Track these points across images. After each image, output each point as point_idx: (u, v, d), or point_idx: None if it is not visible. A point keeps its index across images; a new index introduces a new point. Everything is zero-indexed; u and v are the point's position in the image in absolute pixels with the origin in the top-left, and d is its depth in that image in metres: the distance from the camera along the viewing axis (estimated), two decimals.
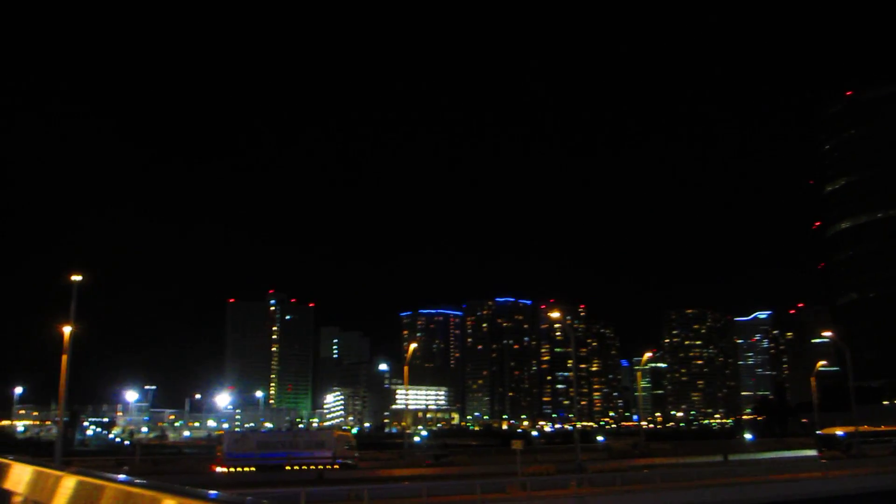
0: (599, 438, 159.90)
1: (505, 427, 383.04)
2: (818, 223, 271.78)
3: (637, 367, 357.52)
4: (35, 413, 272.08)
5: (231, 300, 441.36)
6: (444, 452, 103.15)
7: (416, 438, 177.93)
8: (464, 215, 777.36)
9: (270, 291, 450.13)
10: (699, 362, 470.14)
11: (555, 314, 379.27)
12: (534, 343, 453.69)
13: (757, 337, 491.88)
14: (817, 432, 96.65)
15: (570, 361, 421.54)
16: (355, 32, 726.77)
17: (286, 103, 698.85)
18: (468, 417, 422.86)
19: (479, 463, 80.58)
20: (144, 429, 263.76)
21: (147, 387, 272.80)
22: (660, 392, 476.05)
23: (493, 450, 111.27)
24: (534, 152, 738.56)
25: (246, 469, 70.81)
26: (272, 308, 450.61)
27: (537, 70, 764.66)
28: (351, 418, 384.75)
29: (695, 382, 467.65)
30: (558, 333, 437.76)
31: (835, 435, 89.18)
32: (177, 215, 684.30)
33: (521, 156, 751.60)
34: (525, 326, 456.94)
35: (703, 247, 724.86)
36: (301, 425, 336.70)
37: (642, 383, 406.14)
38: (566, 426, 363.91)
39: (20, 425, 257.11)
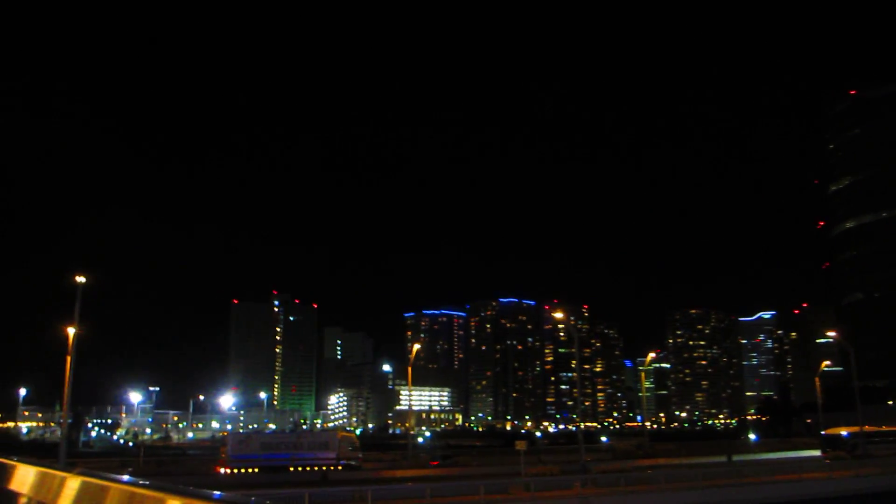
0: (603, 439, 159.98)
1: (508, 428, 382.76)
2: (822, 223, 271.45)
3: (641, 368, 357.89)
4: (39, 415, 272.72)
5: (235, 301, 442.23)
6: (449, 453, 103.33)
7: (420, 439, 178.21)
8: (467, 216, 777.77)
9: (274, 293, 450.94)
10: (703, 363, 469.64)
11: (558, 315, 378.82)
12: (537, 344, 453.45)
13: (761, 337, 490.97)
14: (822, 432, 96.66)
15: (573, 362, 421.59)
16: (355, 32, 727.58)
17: (288, 103, 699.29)
18: (472, 418, 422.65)
19: (483, 464, 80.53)
20: (148, 430, 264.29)
21: (151, 388, 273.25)
22: (664, 392, 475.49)
23: (497, 450, 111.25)
24: (536, 152, 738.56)
25: (250, 470, 70.92)
26: (276, 309, 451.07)
27: (539, 70, 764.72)
28: (354, 419, 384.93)
29: (699, 383, 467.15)
30: (562, 334, 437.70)
31: (839, 435, 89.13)
32: (179, 216, 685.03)
33: (523, 156, 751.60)
34: (529, 327, 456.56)
35: (706, 247, 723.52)
36: (305, 426, 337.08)
37: (646, 384, 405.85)
38: (570, 427, 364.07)
39: (24, 427, 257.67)
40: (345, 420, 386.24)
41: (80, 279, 55.56)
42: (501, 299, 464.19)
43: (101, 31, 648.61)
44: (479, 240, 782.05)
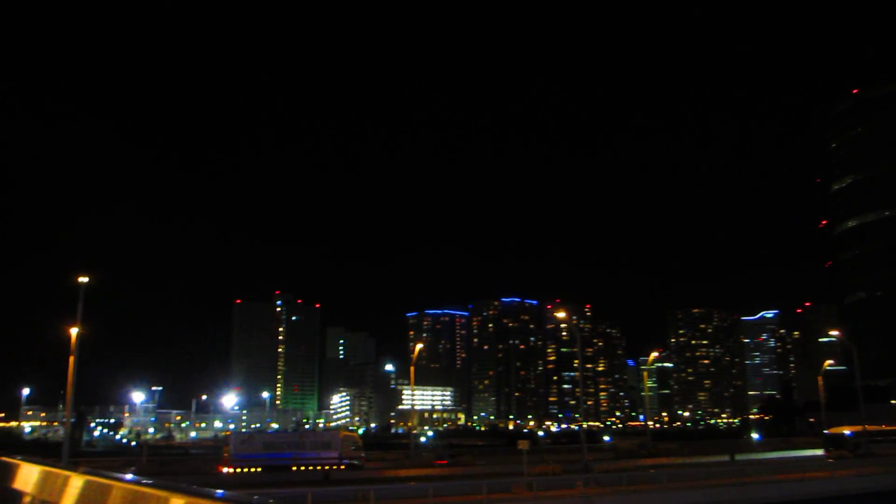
0: (606, 438, 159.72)
1: (511, 427, 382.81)
2: (825, 221, 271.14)
3: (643, 367, 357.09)
4: (42, 414, 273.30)
5: (237, 301, 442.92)
6: (452, 452, 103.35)
7: (423, 439, 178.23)
8: (470, 215, 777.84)
9: (276, 292, 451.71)
10: (706, 362, 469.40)
11: (561, 314, 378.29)
12: (540, 343, 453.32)
13: (764, 336, 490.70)
14: (824, 432, 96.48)
15: (576, 361, 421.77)
16: (355, 32, 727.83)
17: (289, 104, 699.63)
18: (474, 418, 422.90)
19: (486, 463, 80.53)
20: (151, 430, 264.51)
21: (154, 388, 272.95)
22: (666, 392, 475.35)
23: (500, 450, 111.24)
24: (538, 152, 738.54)
25: (252, 470, 70.94)
26: (278, 309, 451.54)
27: (540, 69, 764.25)
28: (357, 419, 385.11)
29: (701, 382, 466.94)
30: (564, 333, 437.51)
31: (842, 434, 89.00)
32: (182, 215, 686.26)
33: (525, 155, 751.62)
34: (531, 326, 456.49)
35: (709, 246, 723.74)
36: (307, 426, 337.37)
37: (649, 383, 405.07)
38: (572, 426, 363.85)
39: (27, 426, 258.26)
40: (347, 419, 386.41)
41: (83, 279, 55.61)
42: (504, 299, 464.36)
43: (101, 31, 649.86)
44: (481, 239, 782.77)
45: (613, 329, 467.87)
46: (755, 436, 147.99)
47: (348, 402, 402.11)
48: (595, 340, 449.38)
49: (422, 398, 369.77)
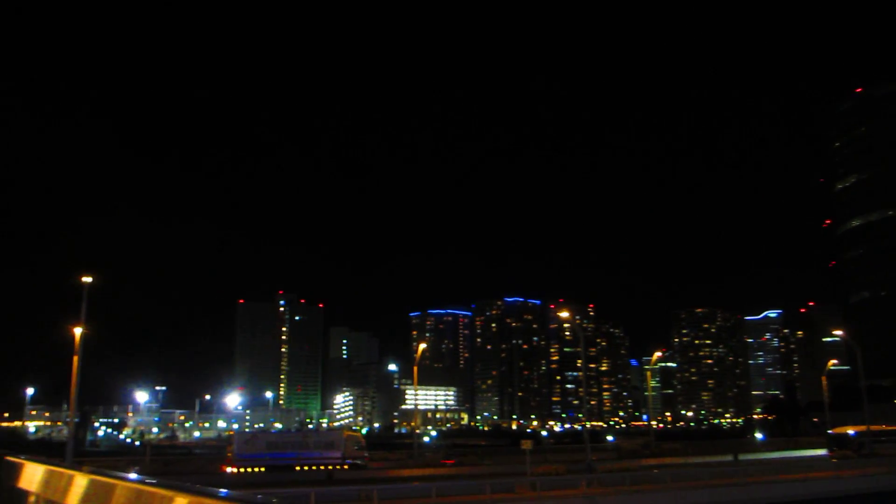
0: (609, 438, 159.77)
1: (514, 427, 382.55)
2: (828, 221, 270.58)
3: (647, 367, 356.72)
4: (46, 414, 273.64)
5: (241, 301, 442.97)
6: (456, 452, 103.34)
7: (426, 439, 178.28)
8: (473, 215, 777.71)
9: (280, 292, 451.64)
10: (709, 362, 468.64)
11: (564, 314, 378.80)
12: (543, 343, 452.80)
13: (767, 336, 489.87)
14: (828, 431, 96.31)
15: (579, 361, 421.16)
16: (357, 33, 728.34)
17: (289, 103, 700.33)
18: (477, 417, 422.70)
19: (489, 463, 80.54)
20: (155, 429, 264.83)
21: (157, 387, 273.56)
22: (670, 392, 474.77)
23: (503, 450, 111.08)
24: (541, 152, 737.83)
25: (256, 469, 71.04)
26: (281, 309, 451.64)
27: (540, 69, 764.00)
28: (360, 418, 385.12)
29: (705, 382, 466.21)
30: (567, 333, 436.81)
31: (846, 434, 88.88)
32: (185, 215, 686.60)
33: (527, 155, 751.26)
34: (534, 326, 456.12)
35: (712, 245, 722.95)
36: (311, 426, 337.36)
37: (652, 383, 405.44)
38: (576, 426, 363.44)
39: (32, 426, 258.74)
40: (350, 419, 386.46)
41: (87, 279, 55.72)
42: (507, 299, 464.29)
43: (100, 31, 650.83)
44: (484, 239, 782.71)
45: (617, 329, 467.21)
46: (759, 436, 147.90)
47: (351, 402, 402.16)
48: (598, 340, 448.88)
49: (425, 398, 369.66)
